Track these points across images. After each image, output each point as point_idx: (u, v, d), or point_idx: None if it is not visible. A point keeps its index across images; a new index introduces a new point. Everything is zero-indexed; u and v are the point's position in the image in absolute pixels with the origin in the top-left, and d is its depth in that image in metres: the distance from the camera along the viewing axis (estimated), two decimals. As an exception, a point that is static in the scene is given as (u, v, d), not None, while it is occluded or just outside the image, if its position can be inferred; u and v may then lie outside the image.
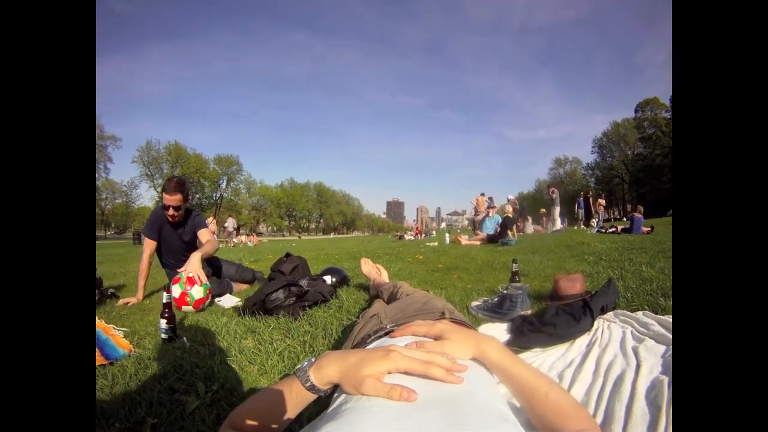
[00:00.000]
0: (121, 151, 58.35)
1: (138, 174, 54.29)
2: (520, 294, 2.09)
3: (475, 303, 2.30)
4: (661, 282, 2.39)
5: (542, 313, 1.77)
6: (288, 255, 3.29)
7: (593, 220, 15.59)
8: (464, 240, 9.11)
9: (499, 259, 4.66)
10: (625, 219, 13.70)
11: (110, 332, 1.88)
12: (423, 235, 22.21)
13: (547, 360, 1.43)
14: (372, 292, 2.36)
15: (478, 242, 8.56)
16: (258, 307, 2.25)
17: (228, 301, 2.79)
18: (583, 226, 13.65)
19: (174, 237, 3.25)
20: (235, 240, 19.86)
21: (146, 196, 56.89)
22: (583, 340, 1.57)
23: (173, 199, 3.06)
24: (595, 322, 1.71)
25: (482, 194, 15.02)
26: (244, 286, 3.46)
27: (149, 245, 3.20)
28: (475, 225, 13.39)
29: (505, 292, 2.15)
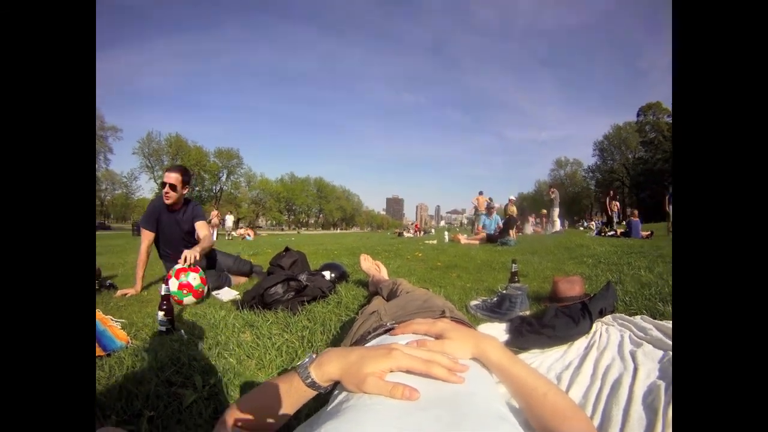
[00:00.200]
0: (121, 142, 58.28)
1: (138, 165, 54.44)
2: (519, 294, 2.09)
3: (474, 302, 2.30)
4: (660, 287, 2.39)
5: (541, 315, 1.77)
6: (287, 249, 3.29)
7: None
8: (463, 239, 9.12)
9: (498, 259, 4.66)
10: (623, 223, 13.64)
11: (108, 323, 1.87)
12: (422, 232, 22.21)
13: (545, 361, 1.43)
14: (371, 289, 2.36)
15: (477, 241, 8.56)
16: (257, 301, 2.25)
17: (226, 294, 2.79)
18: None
19: (173, 226, 3.25)
20: (233, 233, 19.86)
21: (146, 188, 56.94)
22: (581, 343, 1.57)
23: (172, 177, 3.10)
24: (594, 325, 1.71)
25: (481, 193, 15.03)
26: (243, 280, 3.46)
27: (147, 236, 3.20)
28: (474, 224, 13.41)
29: (504, 292, 2.15)
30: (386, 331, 1.00)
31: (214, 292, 2.84)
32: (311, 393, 0.73)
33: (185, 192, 3.23)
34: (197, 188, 58.78)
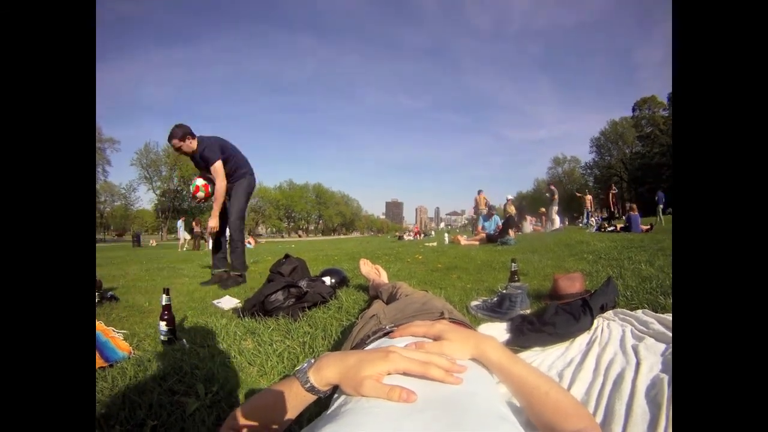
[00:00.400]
0: (119, 154, 58.39)
1: (137, 177, 54.39)
2: (519, 293, 2.09)
3: (474, 303, 2.30)
4: (661, 280, 2.39)
5: (542, 313, 1.77)
6: (287, 256, 3.28)
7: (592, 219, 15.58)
8: (463, 240, 9.11)
9: (498, 259, 4.66)
10: (622, 217, 13.65)
11: (110, 334, 1.88)
12: (422, 235, 22.22)
13: (546, 359, 1.43)
14: (371, 293, 2.36)
15: (477, 242, 8.56)
16: (257, 308, 2.25)
17: (227, 302, 2.79)
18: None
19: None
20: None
21: (145, 199, 57.01)
22: (582, 339, 1.57)
23: (174, 143, 3.73)
24: (595, 321, 1.71)
25: (480, 192, 15.05)
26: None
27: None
28: (474, 224, 13.41)
29: (504, 291, 2.16)
30: (385, 334, 1.00)
31: (215, 301, 2.84)
32: (311, 398, 0.73)
33: (189, 141, 3.77)
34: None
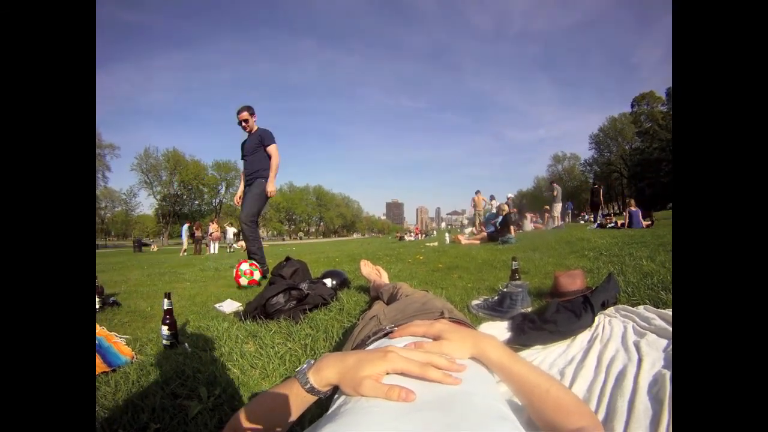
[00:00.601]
0: (119, 160, 58.44)
1: (137, 182, 54.55)
2: (520, 291, 2.09)
3: (475, 302, 2.30)
4: (662, 276, 2.39)
5: (543, 310, 1.77)
6: (288, 259, 3.29)
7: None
8: (464, 239, 9.11)
9: (499, 258, 4.66)
10: (623, 213, 13.68)
11: (112, 340, 1.88)
12: (423, 235, 22.22)
13: (548, 357, 1.43)
14: (372, 294, 2.36)
15: (478, 241, 8.55)
16: (259, 311, 2.25)
17: (229, 306, 2.79)
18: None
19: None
20: (235, 245, 19.83)
21: (146, 204, 57.09)
22: (584, 336, 1.57)
23: (242, 116, 4.42)
24: (596, 318, 1.71)
25: (478, 192, 15.06)
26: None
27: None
28: (475, 224, 13.40)
29: (505, 290, 2.15)
30: (385, 335, 1.00)
31: (216, 305, 2.84)
32: (311, 398, 0.73)
33: (253, 120, 4.50)
34: (196, 202, 58.93)
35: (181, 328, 2.12)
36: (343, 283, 3.12)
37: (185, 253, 16.94)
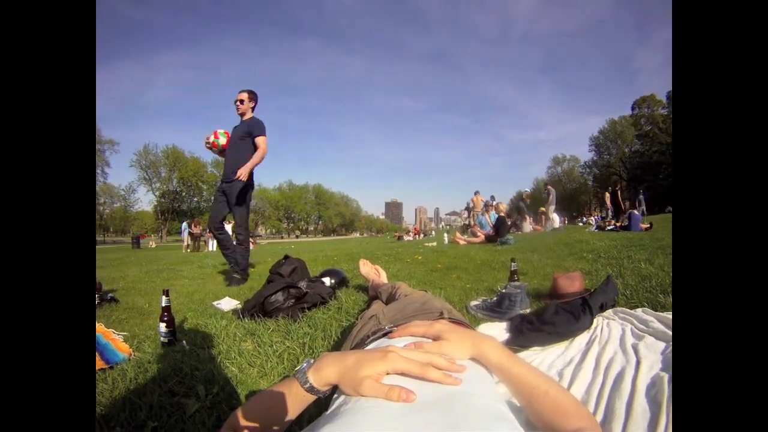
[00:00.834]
0: (118, 156, 58.36)
1: (136, 178, 54.51)
2: (518, 293, 2.09)
3: (474, 302, 2.30)
4: (661, 279, 2.39)
5: (541, 312, 1.77)
6: (287, 257, 3.28)
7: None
8: (462, 240, 9.10)
9: (497, 259, 4.65)
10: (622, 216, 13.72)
11: (110, 336, 1.87)
12: (422, 235, 22.22)
13: (546, 359, 1.43)
14: (371, 293, 2.36)
15: (477, 242, 8.54)
16: (257, 309, 2.25)
17: (227, 304, 2.79)
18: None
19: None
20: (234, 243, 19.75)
21: (144, 200, 57.03)
22: (582, 338, 1.57)
23: (240, 96, 4.15)
24: (595, 320, 1.71)
25: (476, 193, 15.05)
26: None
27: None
28: (471, 225, 13.41)
29: (504, 291, 2.15)
30: (384, 335, 1.00)
31: (214, 303, 2.84)
32: (310, 398, 0.73)
33: (250, 105, 4.21)
34: (195, 199, 58.86)
35: (179, 326, 2.11)
36: (341, 282, 3.12)
37: (188, 250, 16.92)
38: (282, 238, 66.71)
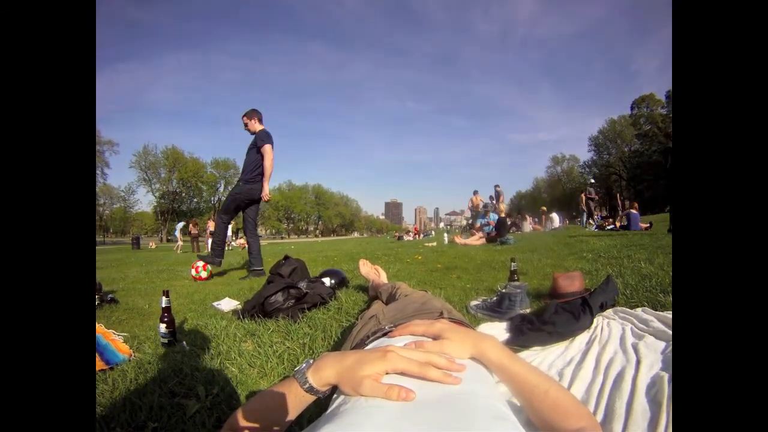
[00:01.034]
0: (118, 156, 58.29)
1: (136, 179, 54.44)
2: (518, 292, 2.09)
3: (474, 302, 2.30)
4: (661, 278, 2.39)
5: (541, 312, 1.77)
6: (286, 257, 3.28)
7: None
8: (460, 240, 9.10)
9: (497, 258, 4.66)
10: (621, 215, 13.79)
11: (110, 337, 1.87)
12: (421, 235, 22.23)
13: (546, 358, 1.43)
14: (371, 293, 2.36)
15: (477, 242, 8.55)
16: (257, 310, 2.25)
17: (227, 304, 2.79)
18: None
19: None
20: (233, 243, 19.81)
21: (144, 201, 56.97)
22: (582, 338, 1.57)
23: (243, 120, 4.61)
24: (595, 320, 1.71)
25: (476, 192, 15.04)
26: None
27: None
28: (472, 225, 13.41)
29: (503, 290, 2.15)
30: (384, 335, 1.00)
31: (214, 303, 2.84)
32: (310, 398, 0.73)
33: (254, 122, 4.62)
34: (195, 199, 58.87)
35: (179, 326, 2.11)
36: (341, 282, 3.12)
37: (180, 251, 16.90)
38: (282, 238, 66.67)
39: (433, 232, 24.83)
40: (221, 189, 60.86)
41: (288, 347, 1.73)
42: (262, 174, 4.53)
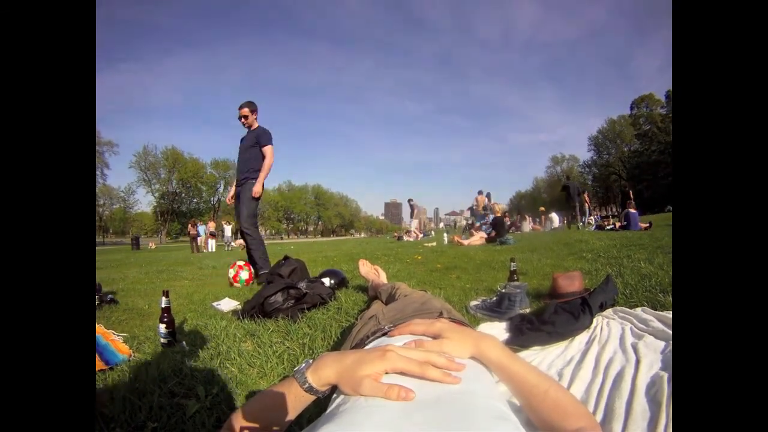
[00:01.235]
0: (117, 157, 58.17)
1: (135, 179, 54.36)
2: (518, 292, 2.09)
3: (473, 302, 2.30)
4: (660, 278, 2.39)
5: (541, 312, 1.77)
6: (286, 258, 3.28)
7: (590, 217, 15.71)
8: (458, 239, 9.10)
9: (497, 259, 4.66)
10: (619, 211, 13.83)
11: (110, 337, 1.87)
12: (421, 235, 22.18)
13: (546, 358, 1.43)
14: (370, 294, 2.36)
15: (478, 241, 8.55)
16: (257, 310, 2.25)
17: (227, 304, 2.79)
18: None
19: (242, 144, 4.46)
20: (233, 243, 19.81)
21: (144, 201, 56.91)
22: (582, 338, 1.57)
23: (243, 111, 4.37)
24: (594, 320, 1.71)
25: (480, 192, 15.04)
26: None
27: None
28: (473, 225, 13.42)
29: (503, 291, 2.15)
30: (384, 335, 1.00)
31: (214, 303, 2.84)
32: (310, 398, 0.73)
33: (254, 117, 4.44)
34: (195, 200, 58.86)
35: (178, 327, 2.11)
36: (341, 282, 3.12)
37: (209, 249, 16.77)
38: (282, 239, 66.62)
39: (432, 233, 24.78)
40: (221, 189, 60.76)
41: (288, 347, 1.73)
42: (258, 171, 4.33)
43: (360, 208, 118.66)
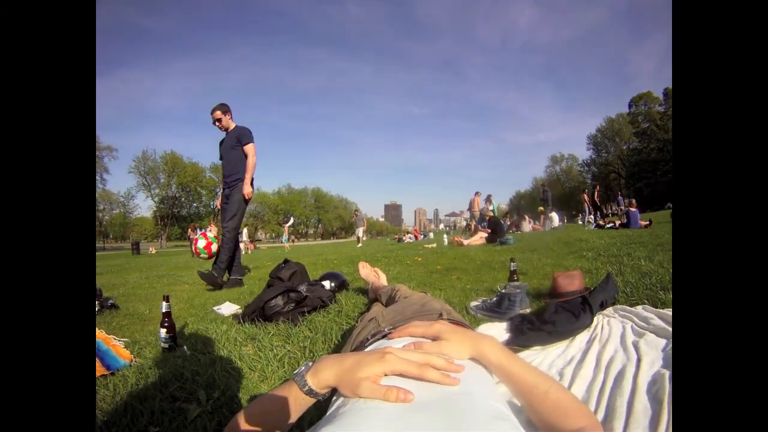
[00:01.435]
0: (117, 162, 58.22)
1: (135, 184, 54.33)
2: (518, 292, 2.09)
3: (474, 303, 2.30)
4: (660, 276, 2.39)
5: (541, 311, 1.77)
6: (286, 261, 3.28)
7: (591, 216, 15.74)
8: (458, 239, 9.09)
9: (497, 259, 4.65)
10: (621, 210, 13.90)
11: (111, 343, 1.87)
12: (421, 236, 22.19)
13: (547, 358, 1.43)
14: (371, 296, 2.36)
15: (479, 241, 8.54)
16: (257, 314, 2.25)
17: (227, 309, 2.79)
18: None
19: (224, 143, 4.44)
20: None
21: (143, 206, 56.85)
22: (583, 337, 1.57)
23: (215, 115, 4.32)
24: (595, 318, 1.71)
25: (477, 193, 15.05)
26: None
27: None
28: (471, 225, 13.42)
29: (503, 291, 2.15)
30: (384, 336, 1.00)
31: (215, 308, 2.84)
32: (310, 401, 0.73)
33: (228, 117, 4.39)
34: (195, 204, 58.82)
35: (179, 331, 2.11)
36: (341, 285, 3.12)
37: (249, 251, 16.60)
38: (282, 242, 66.56)
39: (431, 234, 24.79)
40: (220, 193, 60.64)
41: (288, 350, 1.73)
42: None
43: (360, 211, 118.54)
